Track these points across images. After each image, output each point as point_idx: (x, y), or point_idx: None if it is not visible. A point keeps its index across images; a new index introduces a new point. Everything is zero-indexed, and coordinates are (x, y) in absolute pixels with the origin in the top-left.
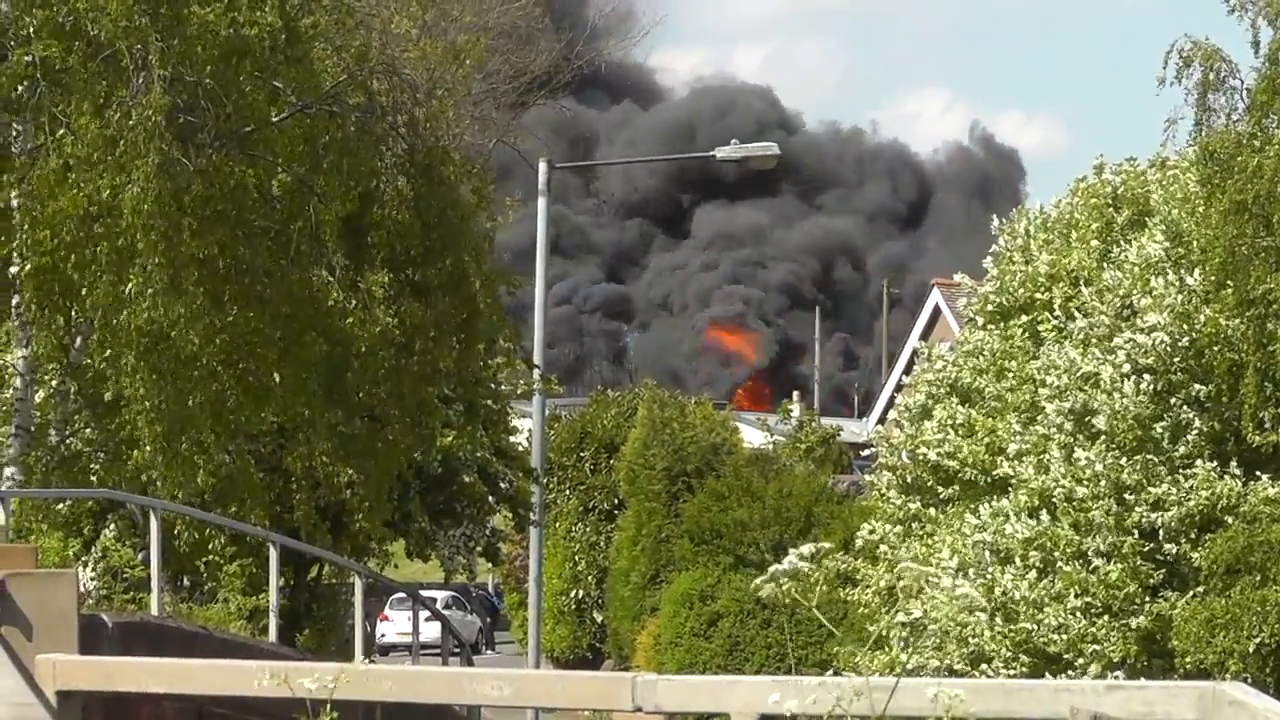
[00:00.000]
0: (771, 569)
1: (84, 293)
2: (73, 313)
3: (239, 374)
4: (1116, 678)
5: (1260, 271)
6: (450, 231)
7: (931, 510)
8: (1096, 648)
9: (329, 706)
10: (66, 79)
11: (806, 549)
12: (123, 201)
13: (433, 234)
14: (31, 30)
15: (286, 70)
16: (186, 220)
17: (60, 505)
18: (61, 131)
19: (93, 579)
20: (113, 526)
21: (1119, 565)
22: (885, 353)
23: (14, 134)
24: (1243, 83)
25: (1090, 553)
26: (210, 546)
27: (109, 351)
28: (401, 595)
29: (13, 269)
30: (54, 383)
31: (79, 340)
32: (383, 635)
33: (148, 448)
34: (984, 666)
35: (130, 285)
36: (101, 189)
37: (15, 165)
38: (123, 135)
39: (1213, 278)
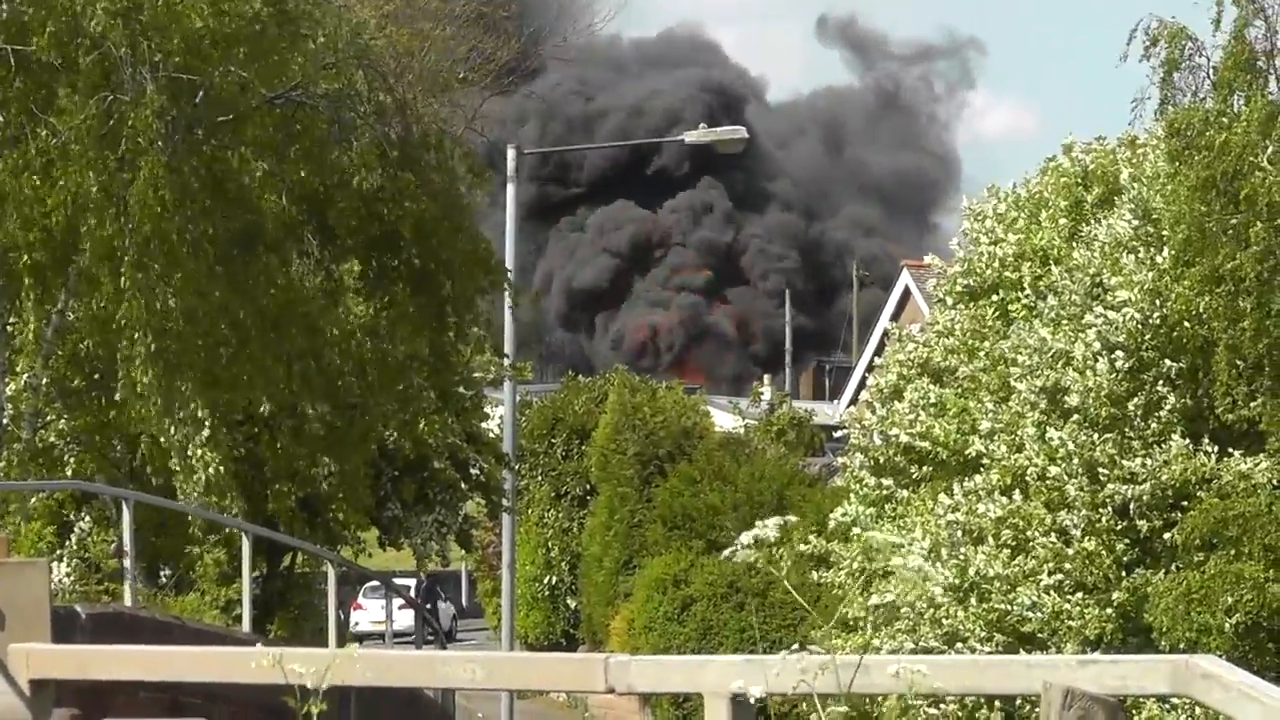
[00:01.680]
0: (739, 538)
1: (64, 283)
2: (45, 307)
3: (226, 361)
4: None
5: (1228, 248)
6: (431, 219)
7: (904, 491)
8: (1072, 623)
9: (318, 695)
10: (41, 71)
11: (773, 521)
12: (131, 194)
13: (409, 221)
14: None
15: (266, 58)
16: (183, 211)
17: (35, 498)
18: (43, 131)
19: (68, 573)
20: (87, 519)
21: (1094, 540)
22: (856, 334)
23: None
24: (1209, 60)
25: (1066, 526)
26: (190, 535)
27: (122, 344)
28: (375, 583)
29: None
30: (25, 376)
31: (50, 332)
32: (356, 624)
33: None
34: (959, 646)
35: (126, 277)
36: (89, 183)
37: None
38: (122, 128)
39: (1180, 255)
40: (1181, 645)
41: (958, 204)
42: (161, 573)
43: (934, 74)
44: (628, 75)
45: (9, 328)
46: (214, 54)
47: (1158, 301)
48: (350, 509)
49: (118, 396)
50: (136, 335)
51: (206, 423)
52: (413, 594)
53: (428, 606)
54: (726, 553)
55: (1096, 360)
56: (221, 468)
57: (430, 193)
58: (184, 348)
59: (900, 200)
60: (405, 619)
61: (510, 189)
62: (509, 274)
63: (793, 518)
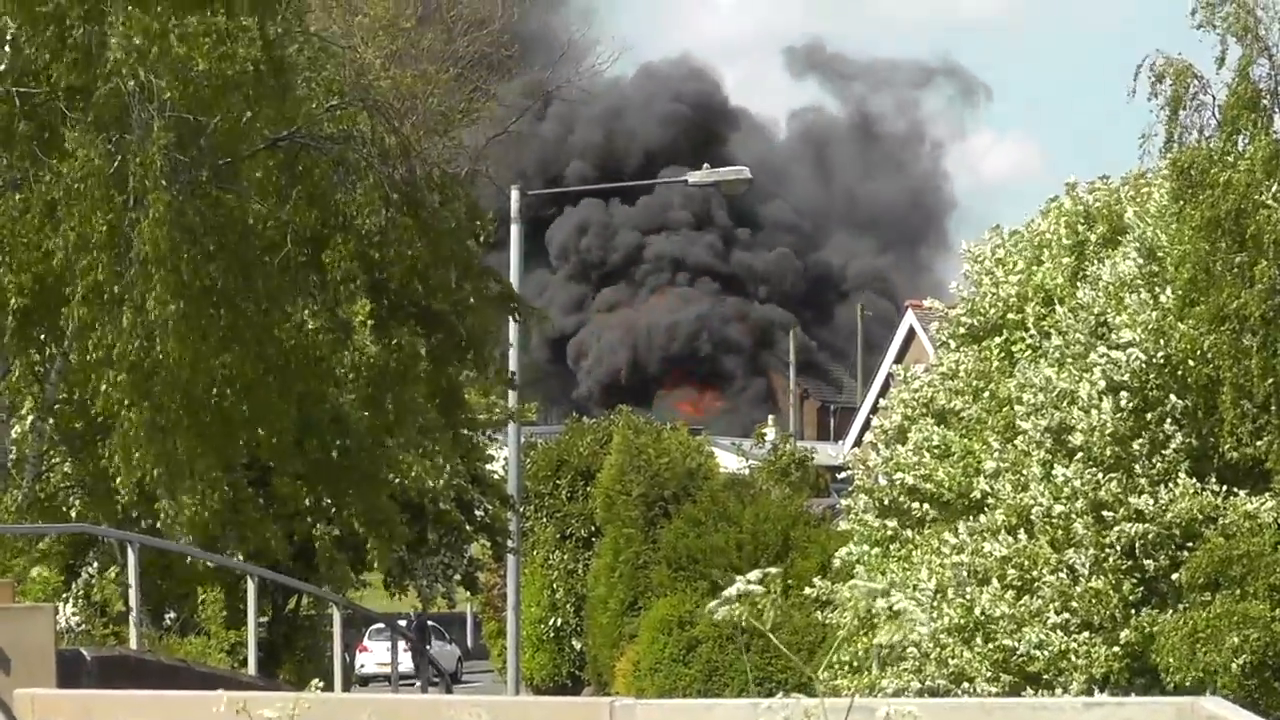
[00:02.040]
0: (724, 593)
1: (64, 324)
2: (49, 348)
3: (224, 405)
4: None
5: (1233, 287)
6: (438, 259)
7: (909, 532)
8: (1079, 662)
9: None
10: (46, 114)
11: (754, 574)
12: (139, 231)
13: (410, 263)
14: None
15: (267, 102)
16: (190, 253)
17: (40, 541)
18: (46, 175)
19: (74, 613)
20: (95, 564)
21: (1101, 579)
22: (860, 374)
23: None
24: (1214, 99)
25: (1074, 564)
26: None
27: (105, 386)
28: (380, 625)
29: None
30: (30, 419)
31: (53, 374)
32: (362, 666)
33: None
34: (965, 685)
35: (127, 318)
36: (97, 224)
37: None
38: (128, 167)
39: (1183, 294)
40: (1188, 684)
41: (944, 233)
42: (166, 615)
43: (914, 98)
44: (625, 111)
45: (11, 372)
46: (216, 97)
47: (1162, 340)
48: (381, 543)
49: (108, 444)
50: (121, 377)
51: (193, 467)
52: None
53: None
54: (710, 606)
55: (1101, 400)
56: (205, 508)
57: (432, 235)
58: (179, 392)
59: (889, 227)
60: (409, 662)
61: (514, 229)
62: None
63: (774, 570)
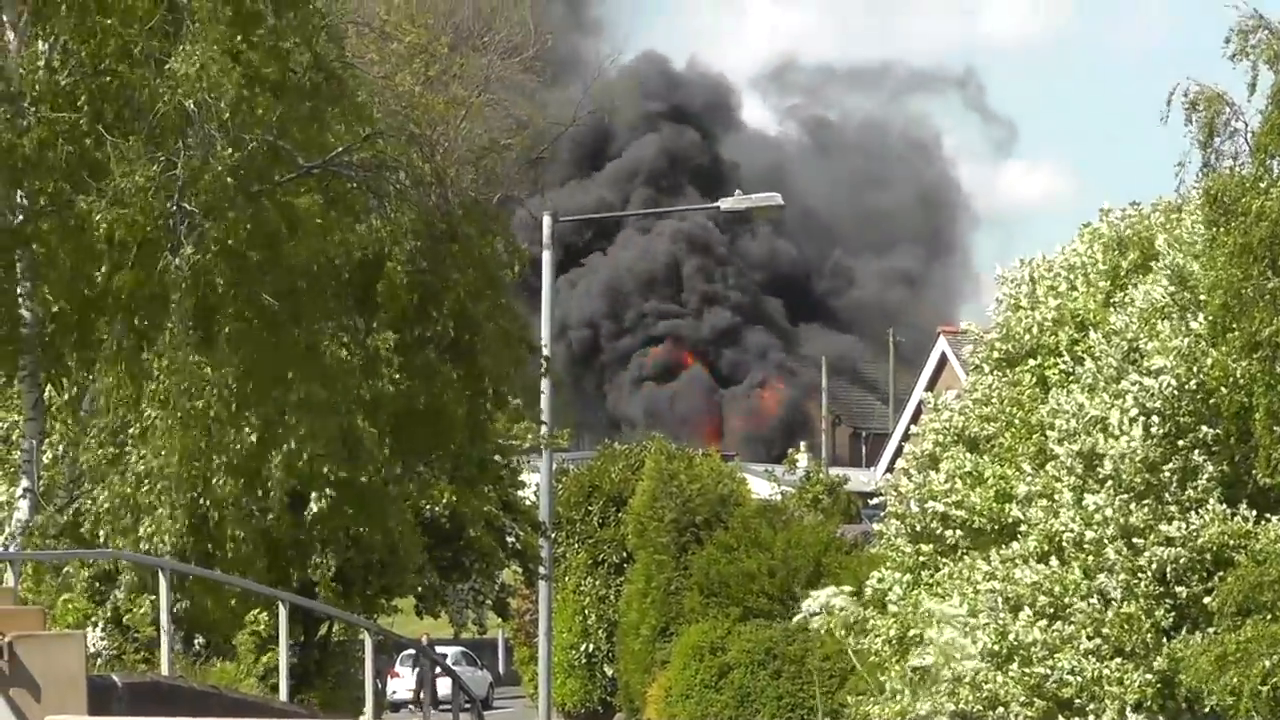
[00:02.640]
0: (805, 604)
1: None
2: (80, 374)
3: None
4: None
5: (1265, 314)
6: (471, 289)
7: (941, 558)
8: (1112, 689)
9: None
10: (84, 137)
11: (826, 592)
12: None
13: (450, 291)
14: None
15: (300, 128)
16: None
17: (71, 566)
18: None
19: (101, 638)
20: (122, 590)
21: (1133, 605)
22: (893, 399)
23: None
24: (1246, 126)
25: (1106, 589)
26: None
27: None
28: (411, 651)
29: (24, 329)
30: (61, 445)
31: (87, 400)
32: (394, 692)
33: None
34: (999, 710)
35: (174, 339)
36: (149, 239)
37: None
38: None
39: (1215, 320)
40: (1216, 708)
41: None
42: (196, 640)
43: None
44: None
45: (46, 398)
46: (253, 120)
47: (1194, 368)
48: (400, 568)
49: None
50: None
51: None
52: (412, 662)
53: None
54: (798, 618)
55: (1132, 426)
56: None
57: (471, 263)
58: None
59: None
60: (443, 687)
61: (546, 255)
62: (544, 348)
63: (848, 587)
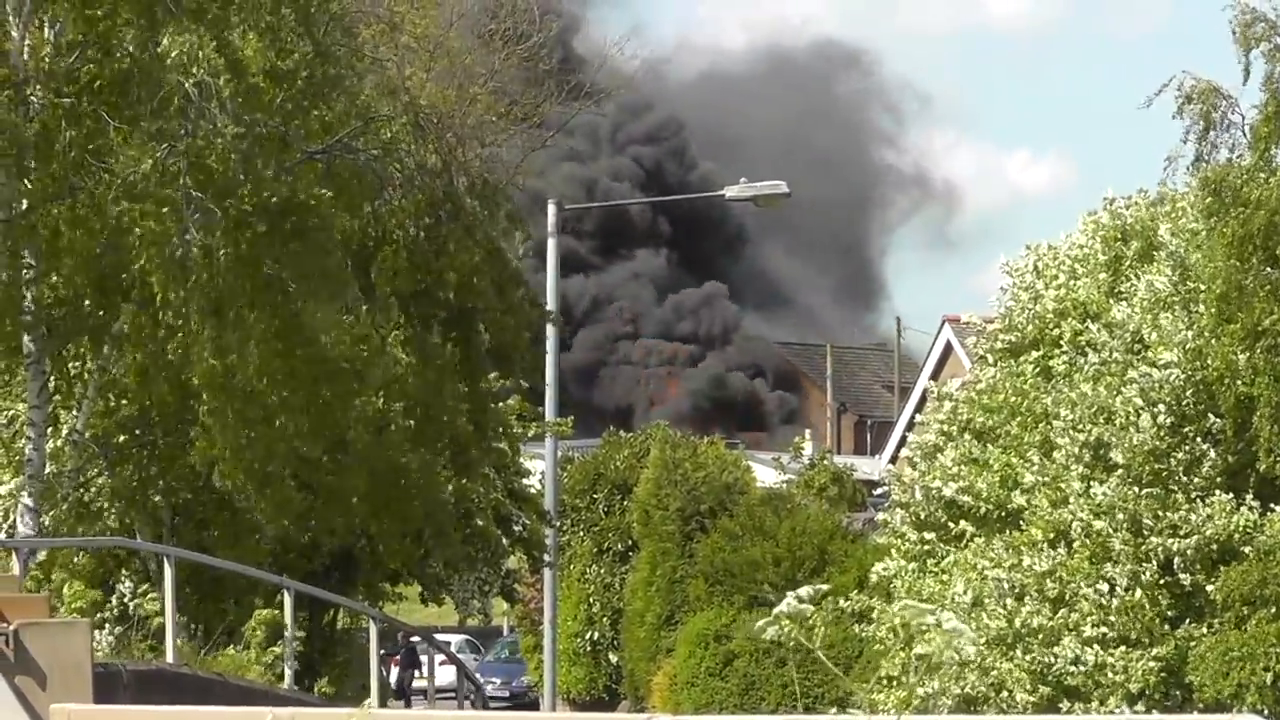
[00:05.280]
0: (774, 611)
1: (111, 332)
2: (87, 360)
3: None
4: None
5: (1265, 304)
6: (483, 266)
7: (946, 546)
8: (1116, 677)
9: None
10: (90, 120)
11: (804, 591)
12: (213, 233)
13: (455, 271)
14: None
15: (305, 113)
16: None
17: (76, 554)
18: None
19: (107, 627)
20: (127, 581)
21: (1139, 593)
22: (898, 387)
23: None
24: (1243, 118)
25: (1111, 578)
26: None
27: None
28: (416, 639)
29: (26, 316)
30: (65, 431)
31: (91, 389)
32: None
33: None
34: (1004, 694)
35: (196, 324)
36: (168, 228)
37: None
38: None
39: (1214, 311)
40: (1221, 700)
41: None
42: (196, 629)
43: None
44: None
45: (51, 384)
46: (270, 99)
47: (1197, 360)
48: (388, 553)
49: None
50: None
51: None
52: (398, 658)
53: (413, 671)
54: (759, 625)
55: (1139, 416)
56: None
57: (479, 240)
58: (248, 398)
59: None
60: (447, 675)
61: (551, 244)
62: (553, 314)
63: (825, 586)
